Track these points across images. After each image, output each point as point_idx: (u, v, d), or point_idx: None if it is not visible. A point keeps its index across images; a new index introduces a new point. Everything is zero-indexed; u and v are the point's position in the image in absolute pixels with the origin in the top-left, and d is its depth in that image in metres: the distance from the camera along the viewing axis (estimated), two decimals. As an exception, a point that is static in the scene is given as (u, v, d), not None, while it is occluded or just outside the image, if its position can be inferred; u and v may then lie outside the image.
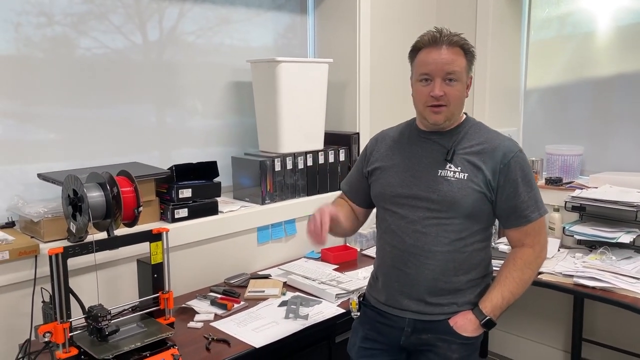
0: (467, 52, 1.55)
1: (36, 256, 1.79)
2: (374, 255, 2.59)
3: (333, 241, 2.77)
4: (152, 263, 1.77)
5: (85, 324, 1.64)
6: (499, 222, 1.61)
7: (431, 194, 1.53)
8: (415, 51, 1.59)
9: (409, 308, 1.57)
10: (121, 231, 1.73)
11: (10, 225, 1.96)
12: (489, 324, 1.54)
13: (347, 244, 2.78)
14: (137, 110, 2.34)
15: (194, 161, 2.29)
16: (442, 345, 1.55)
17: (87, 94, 2.17)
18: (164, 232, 1.78)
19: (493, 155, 1.52)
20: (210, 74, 2.58)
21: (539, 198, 1.55)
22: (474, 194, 1.51)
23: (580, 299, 2.64)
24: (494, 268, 1.67)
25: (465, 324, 1.54)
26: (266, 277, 2.36)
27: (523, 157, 1.55)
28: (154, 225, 2.07)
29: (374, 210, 1.78)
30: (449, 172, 1.53)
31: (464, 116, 1.62)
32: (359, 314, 1.71)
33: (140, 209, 1.70)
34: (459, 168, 1.53)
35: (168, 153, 2.46)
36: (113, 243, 1.67)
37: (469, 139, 1.57)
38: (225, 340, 1.78)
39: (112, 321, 1.67)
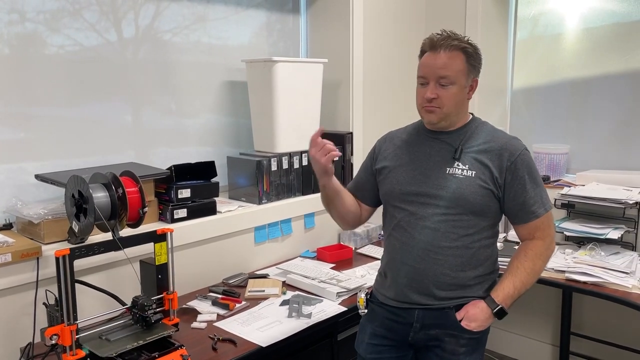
0: (469, 56, 1.58)
1: (38, 258, 1.76)
2: (369, 254, 2.67)
3: (328, 240, 2.80)
4: (157, 264, 1.76)
5: (89, 325, 1.63)
6: (508, 219, 1.65)
7: (440, 192, 1.57)
8: (421, 54, 1.63)
9: (418, 302, 1.60)
10: (124, 232, 1.72)
11: (7, 227, 1.92)
12: (500, 313, 1.58)
13: (342, 243, 2.80)
14: (111, 109, 2.27)
15: (183, 161, 2.26)
16: (450, 340, 1.59)
17: (63, 92, 2.12)
18: (169, 233, 1.77)
19: (500, 154, 1.57)
20: (198, 72, 2.56)
21: (544, 194, 1.60)
22: (482, 191, 1.56)
23: (568, 293, 2.71)
24: (500, 265, 1.71)
25: (476, 313, 1.57)
26: (264, 276, 2.36)
27: (528, 155, 1.59)
28: (153, 226, 2.06)
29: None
30: (457, 170, 1.57)
31: (470, 116, 1.67)
32: (366, 311, 1.73)
33: (146, 209, 1.70)
34: (467, 166, 1.57)
35: (145, 152, 2.40)
36: (120, 244, 1.65)
37: (476, 137, 1.61)
38: (231, 340, 1.78)
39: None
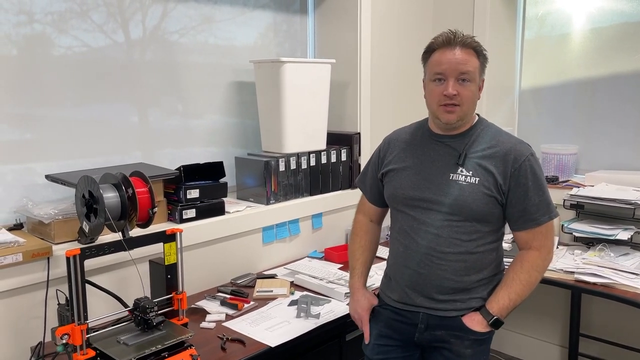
0: (480, 54, 1.57)
1: (48, 258, 1.77)
2: (376, 254, 2.65)
3: (335, 240, 2.81)
4: (166, 264, 1.77)
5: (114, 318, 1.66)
6: (508, 224, 1.62)
7: (443, 198, 1.55)
8: (428, 52, 1.59)
9: (423, 304, 1.60)
10: (134, 232, 1.72)
11: (18, 227, 1.93)
12: (497, 324, 1.56)
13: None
14: (118, 110, 2.27)
15: (190, 162, 2.26)
16: (456, 341, 1.58)
17: (70, 93, 2.12)
18: (178, 233, 1.77)
19: (504, 160, 1.54)
20: (205, 73, 2.56)
21: (550, 201, 1.57)
22: (485, 198, 1.53)
23: (577, 294, 2.69)
24: (506, 266, 1.70)
25: (473, 325, 1.57)
26: (272, 276, 2.37)
27: (535, 160, 1.56)
28: (162, 226, 2.07)
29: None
30: (460, 176, 1.55)
31: (477, 117, 1.64)
32: (373, 313, 1.73)
33: (155, 209, 1.70)
34: (471, 172, 1.55)
35: (152, 153, 2.41)
36: (129, 244, 1.66)
37: (481, 142, 1.58)
38: (240, 340, 1.78)
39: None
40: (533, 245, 1.58)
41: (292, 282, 2.29)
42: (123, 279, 1.99)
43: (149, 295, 1.84)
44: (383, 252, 2.65)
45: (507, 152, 1.55)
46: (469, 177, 1.54)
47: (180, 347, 1.62)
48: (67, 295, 1.55)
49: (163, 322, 1.65)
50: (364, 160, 2.85)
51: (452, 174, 1.56)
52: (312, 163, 2.64)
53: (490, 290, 1.61)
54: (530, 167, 1.54)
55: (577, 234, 2.54)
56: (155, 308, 1.63)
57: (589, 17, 2.93)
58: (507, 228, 1.66)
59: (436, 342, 1.61)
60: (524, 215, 1.56)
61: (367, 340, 1.72)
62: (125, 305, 1.69)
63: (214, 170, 2.30)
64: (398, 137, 1.74)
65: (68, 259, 1.52)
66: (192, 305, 2.03)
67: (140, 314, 1.62)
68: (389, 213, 1.79)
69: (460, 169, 1.56)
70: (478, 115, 1.66)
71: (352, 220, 1.88)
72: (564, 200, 2.61)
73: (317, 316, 1.96)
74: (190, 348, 1.63)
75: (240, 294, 2.15)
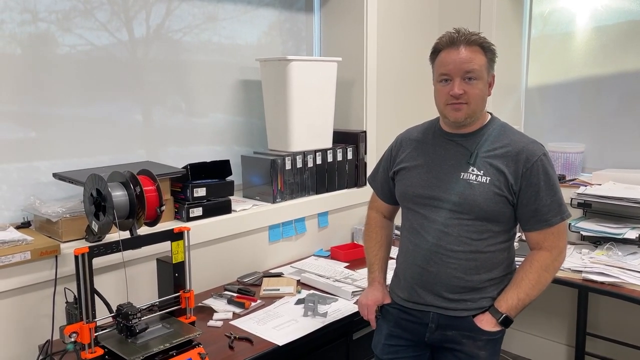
0: (487, 50, 1.56)
1: (56, 256, 1.77)
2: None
3: (342, 239, 2.80)
4: (174, 262, 1.77)
5: (109, 323, 1.64)
6: (520, 224, 1.61)
7: (453, 197, 1.55)
8: (435, 53, 1.59)
9: (433, 303, 1.59)
10: (141, 230, 1.72)
11: (26, 225, 1.93)
12: (506, 322, 1.56)
13: (356, 242, 2.80)
14: (122, 108, 2.26)
15: (194, 161, 2.26)
16: (467, 342, 1.57)
17: (74, 92, 2.12)
18: (186, 231, 1.77)
19: (516, 159, 1.53)
20: (209, 72, 2.55)
21: (562, 202, 1.55)
22: (496, 197, 1.52)
23: (584, 293, 2.68)
24: (517, 265, 1.69)
25: (482, 325, 1.56)
26: (279, 275, 2.36)
27: (547, 160, 1.54)
28: (169, 225, 2.07)
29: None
30: (471, 175, 1.54)
31: (489, 116, 1.63)
32: (381, 312, 1.72)
33: (163, 208, 1.70)
34: (482, 171, 1.54)
35: (156, 152, 2.39)
36: (137, 242, 1.66)
37: (493, 141, 1.57)
38: (247, 338, 1.78)
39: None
40: (544, 245, 1.57)
41: (298, 281, 2.28)
42: (129, 278, 1.98)
43: (154, 293, 1.85)
44: (393, 251, 2.65)
45: (519, 152, 1.53)
46: (479, 177, 1.53)
47: (188, 345, 1.62)
48: (76, 294, 1.55)
49: (146, 329, 1.61)
50: (370, 158, 2.84)
51: (463, 173, 1.55)
52: (318, 161, 2.63)
53: (501, 290, 1.60)
54: (542, 167, 1.52)
55: (584, 233, 2.52)
56: (139, 315, 1.58)
57: (594, 15, 2.91)
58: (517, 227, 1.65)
59: (447, 342, 1.60)
60: (535, 215, 1.54)
61: (373, 326, 1.73)
62: (110, 310, 1.64)
63: (220, 168, 2.30)
64: (410, 135, 1.74)
65: (76, 257, 1.52)
66: (199, 304, 2.03)
67: (123, 320, 1.58)
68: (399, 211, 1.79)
69: (472, 168, 1.55)
70: (491, 114, 1.65)
71: (365, 217, 1.88)
72: (571, 199, 2.60)
73: (325, 315, 1.95)
74: (198, 346, 1.63)
75: (247, 292, 2.15)
